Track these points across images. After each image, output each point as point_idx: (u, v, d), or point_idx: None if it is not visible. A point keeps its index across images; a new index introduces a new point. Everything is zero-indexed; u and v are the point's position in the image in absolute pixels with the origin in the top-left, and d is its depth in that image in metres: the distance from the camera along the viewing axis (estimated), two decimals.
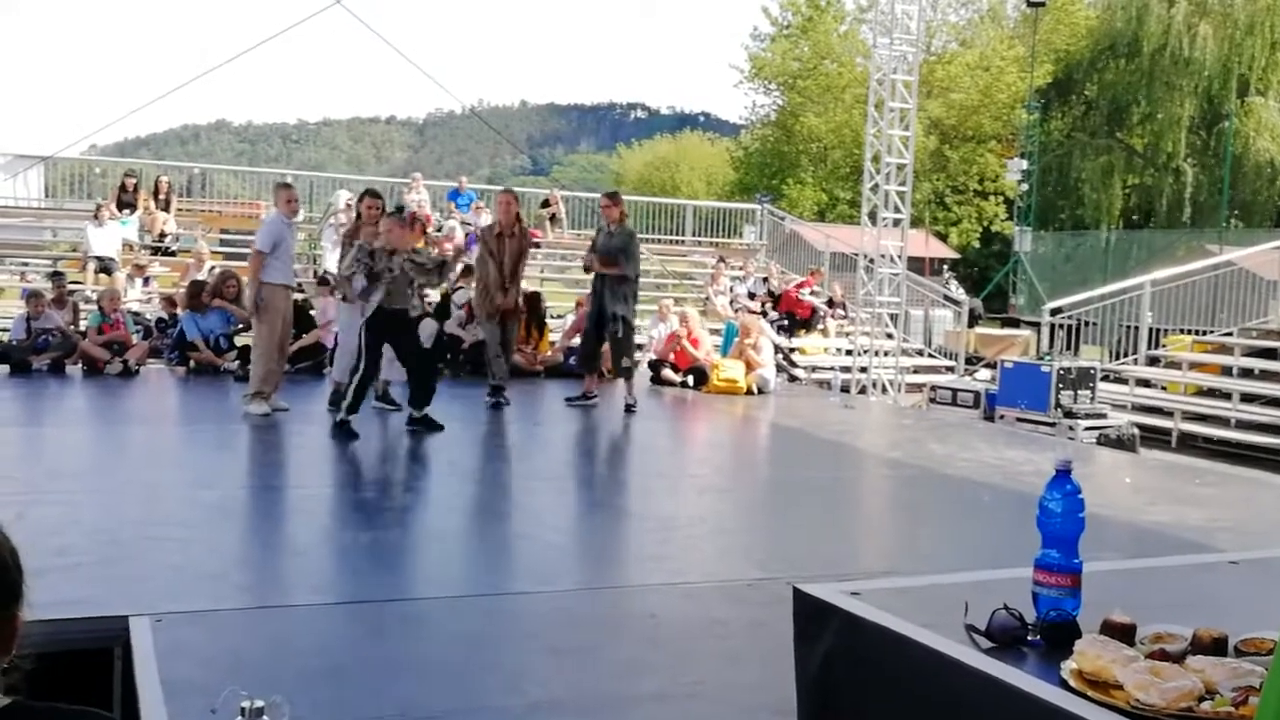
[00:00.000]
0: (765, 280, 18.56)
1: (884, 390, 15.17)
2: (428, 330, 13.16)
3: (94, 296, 13.62)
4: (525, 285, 15.60)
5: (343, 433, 8.36)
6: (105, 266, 15.54)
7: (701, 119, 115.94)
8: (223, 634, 4.07)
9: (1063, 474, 2.43)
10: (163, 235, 17.40)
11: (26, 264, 17.84)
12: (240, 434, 9.04)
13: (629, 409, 10.55)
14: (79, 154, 21.02)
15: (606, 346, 10.79)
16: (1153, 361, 15.33)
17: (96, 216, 16.10)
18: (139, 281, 15.30)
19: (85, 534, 5.25)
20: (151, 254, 16.80)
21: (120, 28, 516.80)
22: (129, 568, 4.89)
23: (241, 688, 3.40)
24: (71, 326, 12.24)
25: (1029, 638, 2.26)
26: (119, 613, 4.03)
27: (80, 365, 11.83)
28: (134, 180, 17.90)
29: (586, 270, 11.14)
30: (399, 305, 8.53)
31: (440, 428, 8.80)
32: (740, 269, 19.25)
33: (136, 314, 13.51)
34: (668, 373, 12.85)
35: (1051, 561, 2.38)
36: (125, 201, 17.36)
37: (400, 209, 10.42)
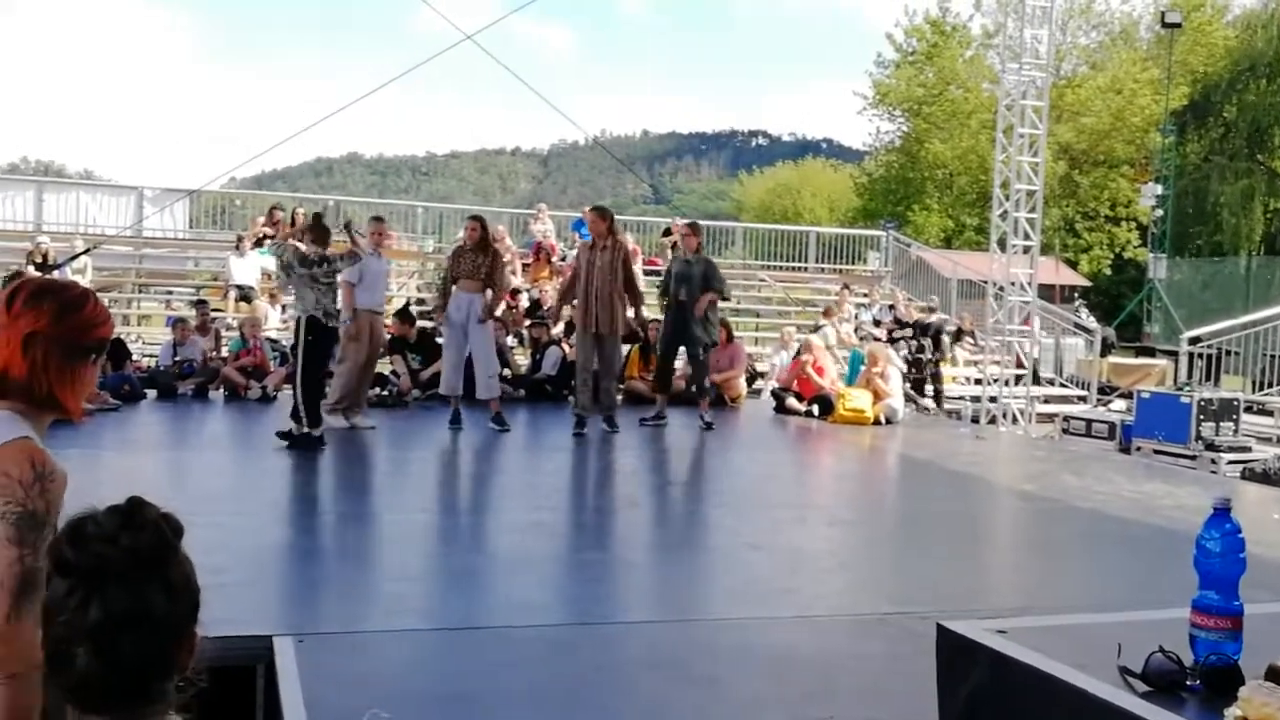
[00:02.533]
0: (891, 308, 18.33)
1: (1014, 421, 14.84)
2: (552, 357, 13.35)
3: (235, 324, 14.12)
4: (645, 313, 15.76)
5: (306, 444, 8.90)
6: (245, 295, 16.09)
7: (823, 145, 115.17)
8: (362, 656, 4.16)
9: (1221, 512, 2.35)
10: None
11: (171, 292, 18.62)
12: (372, 459, 9.27)
13: (708, 426, 11.03)
14: (220, 187, 21.85)
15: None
16: None
17: (238, 247, 16.70)
18: (277, 309, 15.81)
19: (231, 555, 5.40)
20: None
21: (256, 69, 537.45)
22: (272, 588, 5.04)
23: (383, 710, 3.49)
24: (213, 353, 12.70)
25: (1188, 682, 2.19)
26: (263, 632, 4.14)
27: (222, 390, 12.27)
28: (280, 212, 18.48)
29: (662, 295, 11.76)
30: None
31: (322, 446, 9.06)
32: (865, 296, 19.05)
33: (274, 341, 13.96)
34: (792, 401, 12.76)
35: (1210, 603, 2.30)
36: (268, 232, 17.95)
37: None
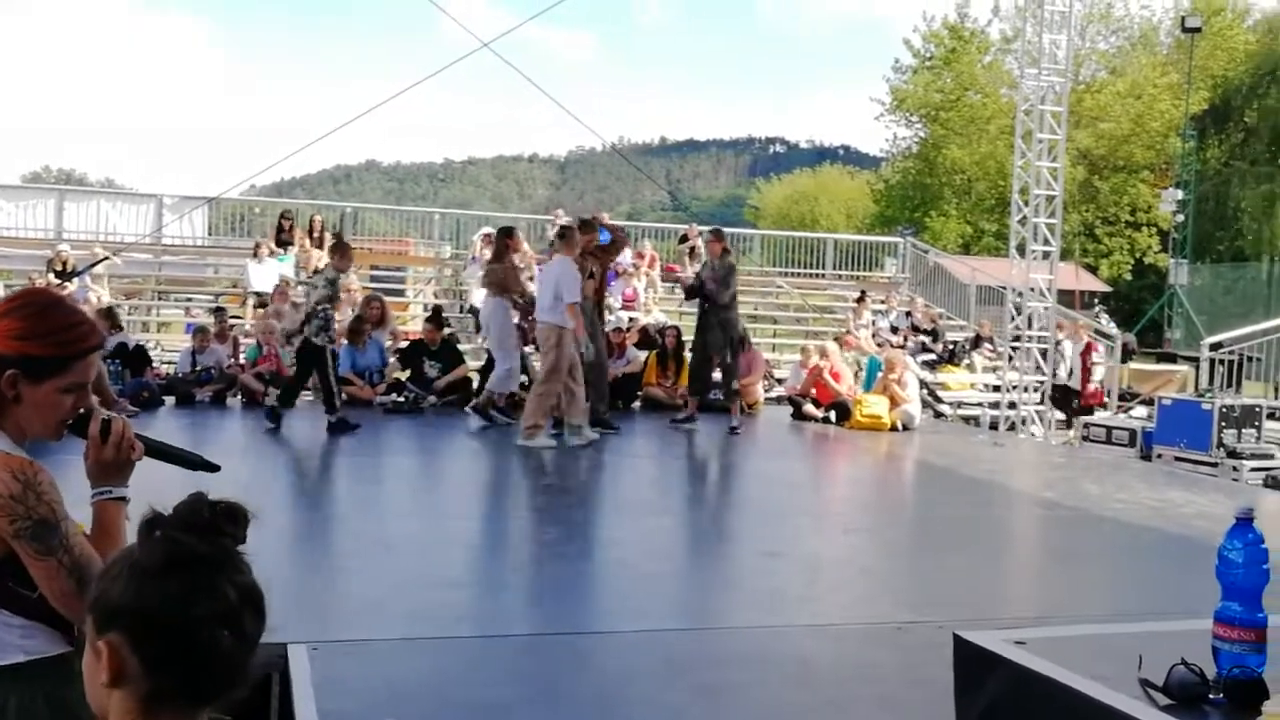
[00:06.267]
0: (909, 314, 18.27)
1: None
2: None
3: (252, 330, 14.15)
4: (664, 319, 15.80)
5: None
6: (264, 302, 16.13)
7: (841, 152, 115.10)
8: (378, 664, 4.14)
9: (1244, 522, 2.31)
10: (316, 271, 17.98)
11: (190, 299, 18.69)
12: (391, 466, 9.27)
13: (734, 431, 11.20)
14: (240, 195, 21.93)
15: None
16: None
17: (256, 254, 16.76)
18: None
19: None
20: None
21: (274, 77, 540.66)
22: (286, 596, 5.02)
23: (397, 719, 3.47)
24: (231, 359, 12.74)
25: (1210, 695, 2.15)
26: (277, 640, 4.12)
27: (240, 397, 12.30)
28: (290, 220, 18.53)
29: (689, 296, 11.98)
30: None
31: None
32: (882, 302, 18.99)
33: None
34: (809, 408, 12.71)
35: (1233, 615, 2.27)
36: (283, 239, 18.01)
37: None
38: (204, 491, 1.49)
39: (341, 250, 10.68)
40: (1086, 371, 15.78)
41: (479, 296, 16.73)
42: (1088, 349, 15.77)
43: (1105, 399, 15.65)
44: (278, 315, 13.68)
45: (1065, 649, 2.51)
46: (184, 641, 1.39)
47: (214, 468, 2.25)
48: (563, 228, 10.79)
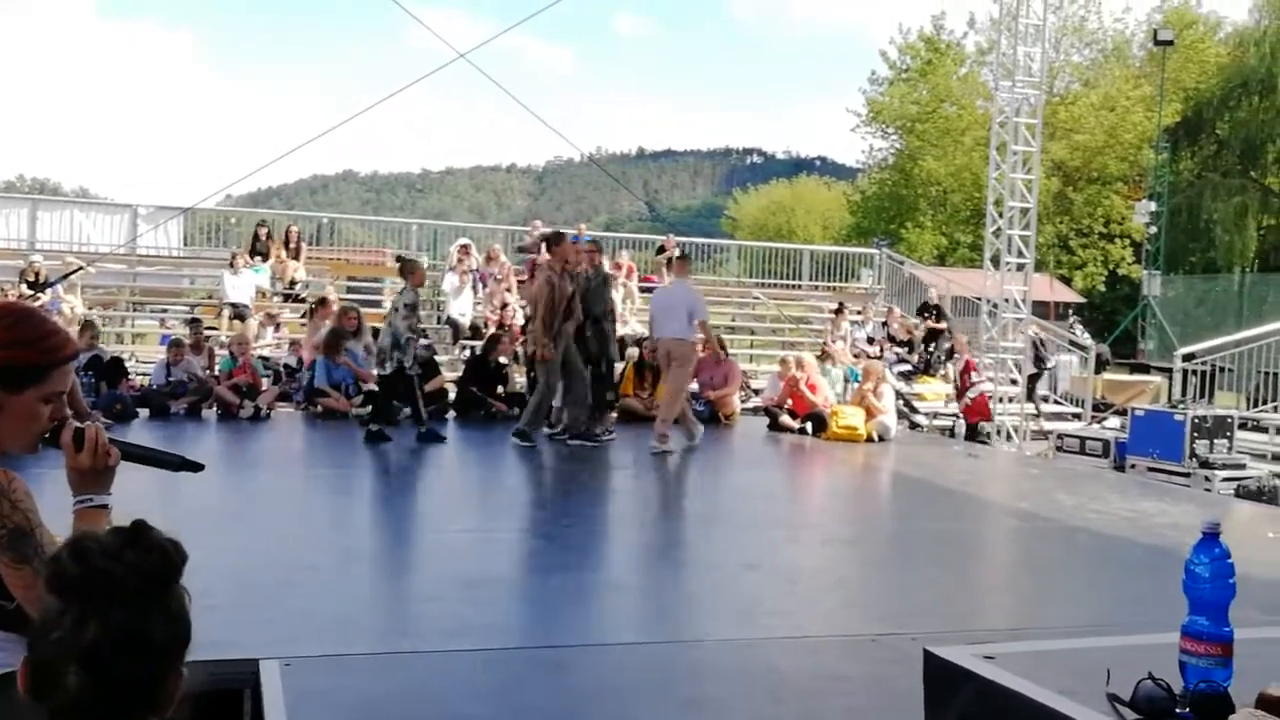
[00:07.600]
0: (885, 324, 18.35)
1: (1008, 438, 14.82)
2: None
3: (226, 342, 14.08)
4: (641, 330, 15.82)
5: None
6: (239, 313, 16.07)
7: (817, 163, 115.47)
8: (351, 679, 4.12)
9: (1210, 537, 2.33)
10: (293, 283, 17.92)
11: (165, 310, 18.56)
12: (368, 478, 9.24)
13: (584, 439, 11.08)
14: (215, 205, 21.77)
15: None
16: None
17: (232, 264, 16.68)
18: (270, 328, 15.78)
19: (220, 576, 5.34)
20: (282, 300, 17.32)
21: (251, 86, 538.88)
22: (261, 611, 5.00)
23: None
24: (207, 371, 12.67)
25: (1177, 710, 2.17)
26: (249, 655, 4.10)
27: (215, 409, 12.22)
28: (266, 229, 18.45)
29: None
30: None
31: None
32: (859, 313, 19.06)
33: (266, 359, 13.92)
34: (785, 419, 12.74)
35: (1200, 629, 2.28)
36: (258, 249, 17.93)
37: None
38: (143, 519, 1.46)
39: (414, 268, 10.89)
40: (962, 391, 14.99)
41: (456, 308, 16.77)
42: (967, 368, 14.93)
43: (989, 411, 14.81)
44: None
45: (1034, 663, 2.53)
46: (42, 672, 1.38)
47: (197, 467, 2.22)
48: (682, 251, 11.30)
